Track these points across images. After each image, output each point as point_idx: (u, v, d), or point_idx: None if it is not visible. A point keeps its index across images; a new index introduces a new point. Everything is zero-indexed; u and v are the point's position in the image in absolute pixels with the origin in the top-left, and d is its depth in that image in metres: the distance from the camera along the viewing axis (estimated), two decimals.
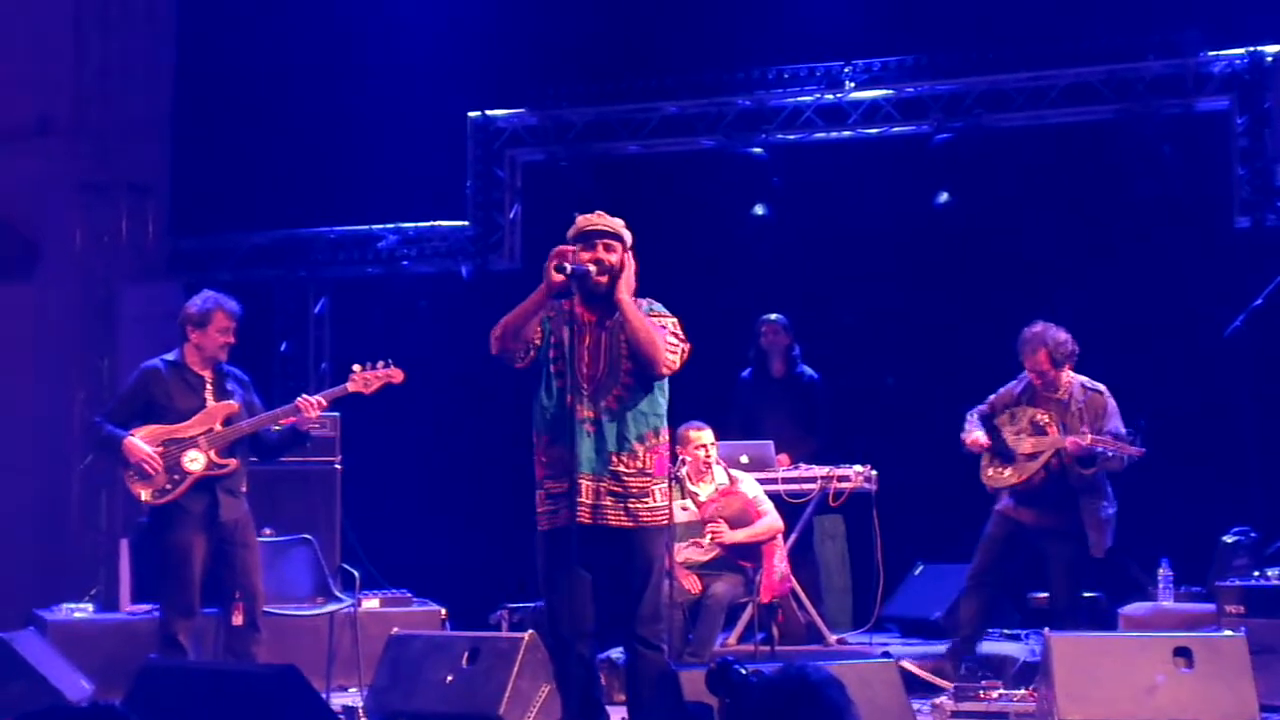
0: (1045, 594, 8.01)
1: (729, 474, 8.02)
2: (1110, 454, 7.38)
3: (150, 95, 10.99)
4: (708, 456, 7.93)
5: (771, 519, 7.94)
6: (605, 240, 5.70)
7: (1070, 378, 7.57)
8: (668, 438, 5.87)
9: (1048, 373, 7.52)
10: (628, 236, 5.77)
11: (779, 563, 7.96)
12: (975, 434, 7.67)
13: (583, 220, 5.76)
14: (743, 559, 7.86)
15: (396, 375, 7.01)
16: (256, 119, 10.82)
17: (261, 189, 10.94)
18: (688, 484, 7.90)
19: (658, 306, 5.82)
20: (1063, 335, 7.52)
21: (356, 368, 6.99)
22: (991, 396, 7.76)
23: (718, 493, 7.89)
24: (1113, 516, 7.51)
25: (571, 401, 5.58)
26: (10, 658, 7.02)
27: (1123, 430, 7.40)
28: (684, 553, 7.82)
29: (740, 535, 7.82)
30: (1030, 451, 7.53)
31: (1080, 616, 7.57)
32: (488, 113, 10.74)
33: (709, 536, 7.79)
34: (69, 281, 10.65)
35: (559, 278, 5.57)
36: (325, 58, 10.72)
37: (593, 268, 5.62)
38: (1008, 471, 7.59)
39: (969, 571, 7.76)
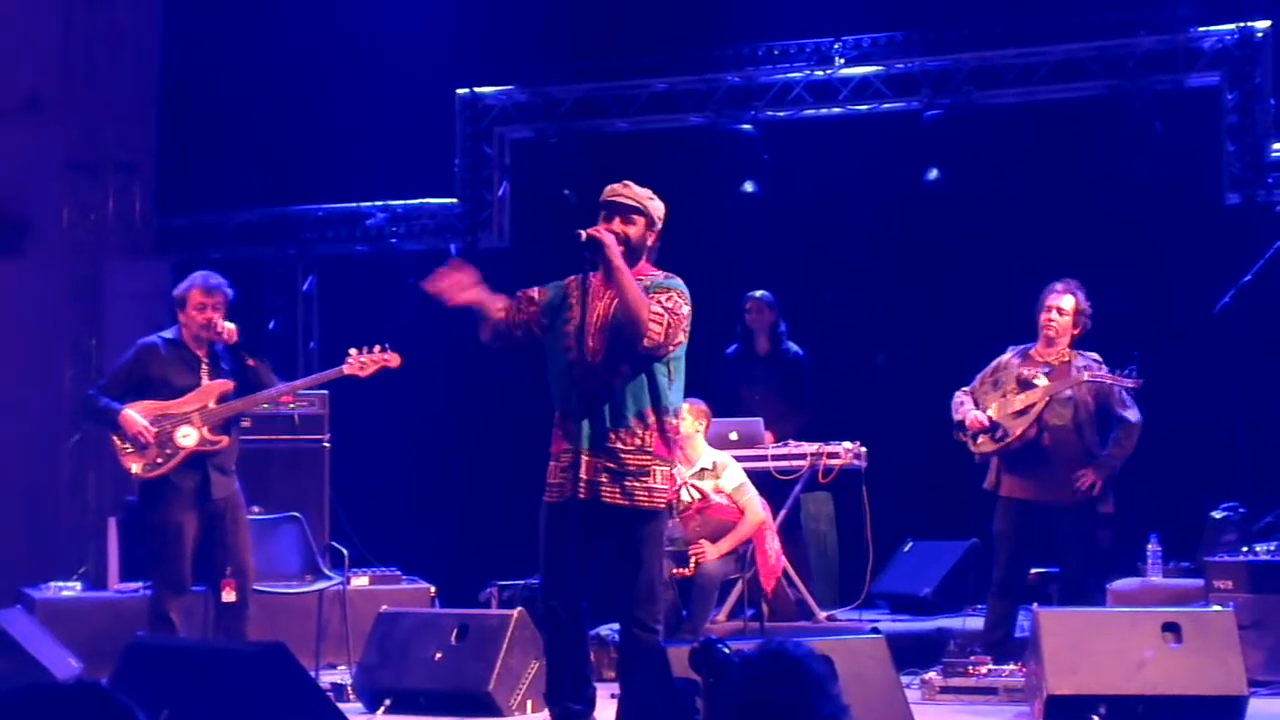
0: (1041, 570, 7.99)
1: (714, 462, 7.96)
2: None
3: (137, 73, 10.94)
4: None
5: (751, 515, 7.85)
6: (627, 215, 5.58)
7: (1069, 351, 7.52)
8: (678, 419, 5.74)
9: (1064, 317, 7.41)
10: (656, 209, 5.64)
11: (770, 547, 7.95)
12: (976, 412, 7.48)
13: (609, 190, 5.62)
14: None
15: (393, 360, 6.97)
16: (244, 97, 10.77)
17: (249, 167, 10.90)
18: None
19: (677, 283, 5.62)
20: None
21: (353, 351, 6.95)
22: (974, 383, 7.64)
23: (692, 508, 7.80)
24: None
25: (577, 374, 5.48)
26: None
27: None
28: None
29: (725, 546, 7.78)
30: (1021, 408, 7.39)
31: (1095, 588, 7.50)
32: (476, 90, 10.69)
33: (693, 560, 7.69)
34: (56, 260, 10.61)
35: (606, 240, 5.43)
36: (313, 34, 10.65)
37: (609, 238, 5.46)
38: (999, 432, 7.43)
39: (997, 578, 7.50)
